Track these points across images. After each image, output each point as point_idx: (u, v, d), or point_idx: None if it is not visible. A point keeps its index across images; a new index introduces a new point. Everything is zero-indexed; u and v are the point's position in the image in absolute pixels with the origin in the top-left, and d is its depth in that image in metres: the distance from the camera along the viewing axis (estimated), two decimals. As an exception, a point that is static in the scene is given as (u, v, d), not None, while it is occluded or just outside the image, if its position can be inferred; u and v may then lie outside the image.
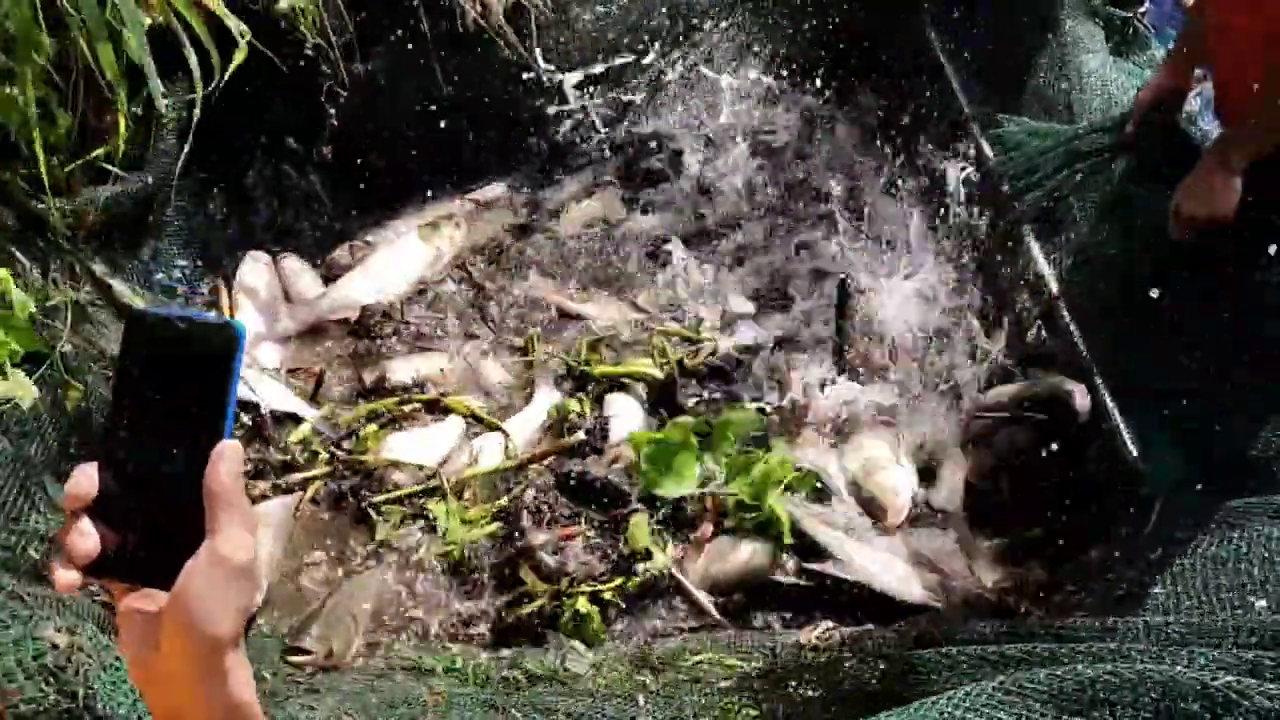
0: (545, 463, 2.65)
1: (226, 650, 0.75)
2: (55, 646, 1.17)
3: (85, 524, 0.76)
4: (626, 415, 2.73)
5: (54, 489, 1.96)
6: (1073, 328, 2.78)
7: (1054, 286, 2.89)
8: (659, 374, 2.84)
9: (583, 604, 2.30)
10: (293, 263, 3.19)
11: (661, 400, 2.83)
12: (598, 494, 2.54)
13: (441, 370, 2.86)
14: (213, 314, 0.81)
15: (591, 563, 2.42)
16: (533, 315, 3.13)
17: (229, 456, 0.77)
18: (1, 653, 1.14)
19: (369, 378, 2.87)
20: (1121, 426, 2.50)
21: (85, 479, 0.77)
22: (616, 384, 2.85)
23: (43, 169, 2.33)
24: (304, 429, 2.70)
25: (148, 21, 2.38)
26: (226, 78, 2.50)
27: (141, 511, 0.77)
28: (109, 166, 2.63)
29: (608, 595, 2.34)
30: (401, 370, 2.85)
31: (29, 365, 2.03)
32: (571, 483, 2.58)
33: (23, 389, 1.81)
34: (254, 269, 3.10)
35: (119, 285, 2.65)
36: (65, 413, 2.08)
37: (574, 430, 2.69)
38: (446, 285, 3.22)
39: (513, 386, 2.91)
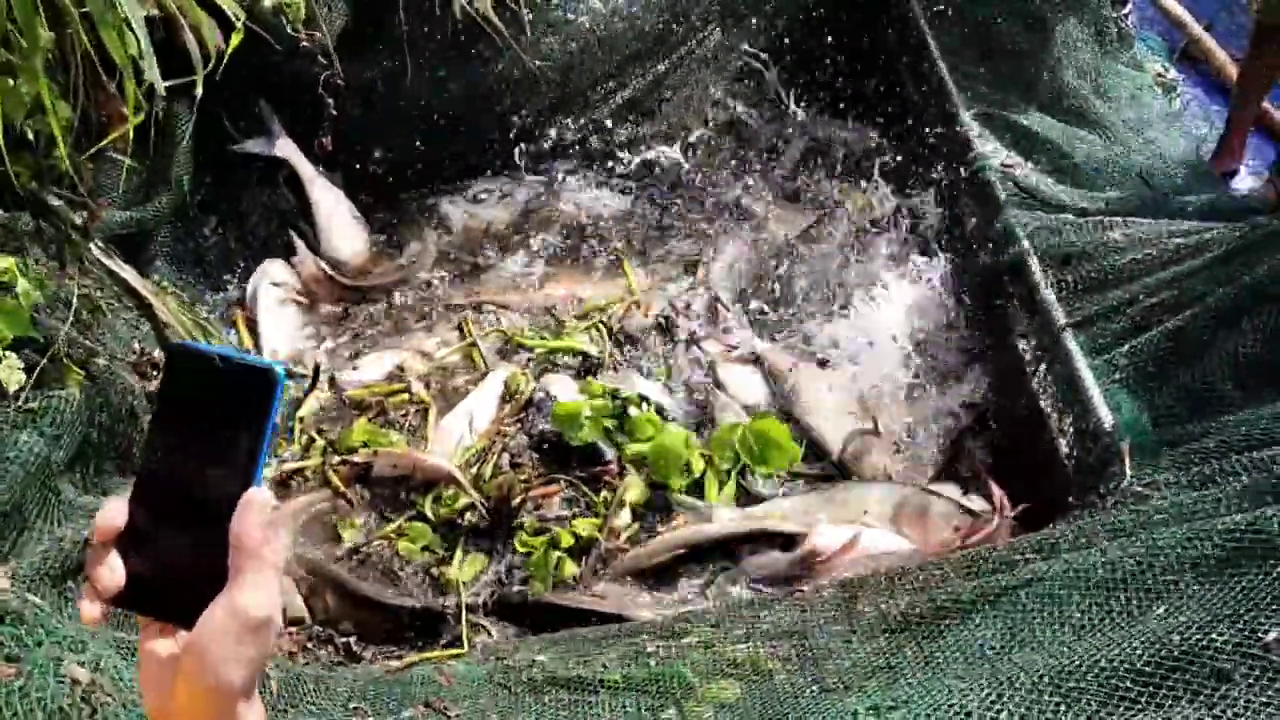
0: (514, 428, 2.80)
1: (238, 700, 0.75)
2: (76, 682, 1.18)
3: (113, 559, 0.76)
4: (561, 386, 2.92)
5: (69, 490, 2.02)
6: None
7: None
8: (591, 349, 3.02)
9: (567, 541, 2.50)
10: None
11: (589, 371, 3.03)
12: (573, 453, 2.71)
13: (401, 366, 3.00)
14: (253, 355, 0.81)
15: (572, 515, 2.60)
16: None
17: (257, 506, 0.76)
18: (24, 689, 1.13)
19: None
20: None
21: (115, 511, 0.77)
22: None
23: (63, 153, 2.39)
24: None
25: (146, 12, 2.44)
26: (224, 61, 2.57)
27: (168, 549, 0.77)
28: (119, 157, 2.69)
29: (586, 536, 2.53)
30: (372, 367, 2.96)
31: (30, 351, 2.10)
32: (545, 445, 2.74)
33: (11, 373, 1.88)
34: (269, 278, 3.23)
35: (132, 276, 2.71)
36: (80, 411, 2.12)
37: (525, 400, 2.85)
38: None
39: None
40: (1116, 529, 1.81)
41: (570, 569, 2.52)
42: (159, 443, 0.78)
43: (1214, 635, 1.40)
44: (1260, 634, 1.33)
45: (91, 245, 2.60)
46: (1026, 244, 2.91)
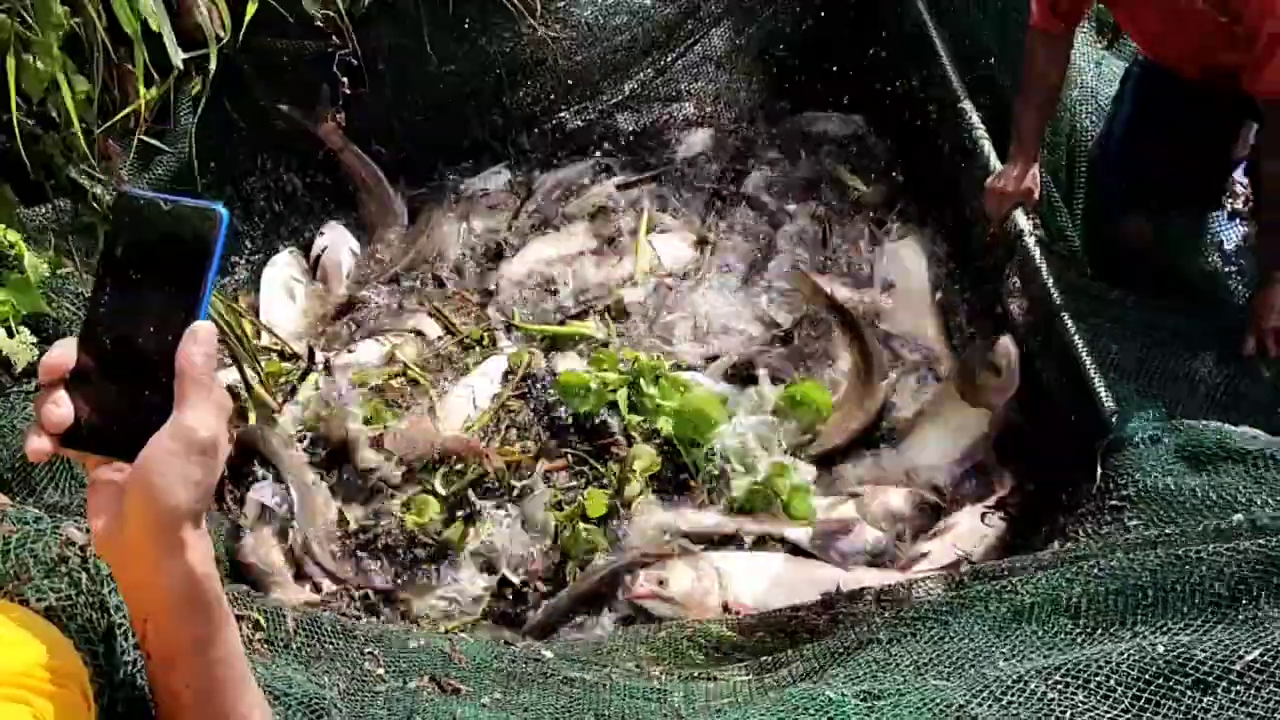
0: (519, 403, 2.80)
1: (184, 522, 0.76)
2: (72, 543, 1.20)
3: (60, 395, 0.77)
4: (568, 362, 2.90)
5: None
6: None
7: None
8: (597, 333, 3.00)
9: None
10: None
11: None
12: (581, 426, 2.70)
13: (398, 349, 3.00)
14: (197, 198, 0.83)
15: (583, 486, 2.60)
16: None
17: (201, 337, 0.78)
18: (21, 543, 1.16)
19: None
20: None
21: (62, 352, 0.79)
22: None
23: (77, 129, 2.43)
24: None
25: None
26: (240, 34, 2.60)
27: (115, 386, 0.78)
28: (148, 140, 2.74)
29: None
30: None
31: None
32: (550, 419, 2.73)
33: (23, 349, 1.92)
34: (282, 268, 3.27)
35: None
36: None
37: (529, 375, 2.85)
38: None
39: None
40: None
41: (600, 541, 2.48)
42: (107, 284, 0.80)
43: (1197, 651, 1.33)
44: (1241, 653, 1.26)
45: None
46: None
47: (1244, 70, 2.34)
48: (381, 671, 1.85)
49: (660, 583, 2.32)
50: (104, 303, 0.79)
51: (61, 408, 0.77)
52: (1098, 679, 1.41)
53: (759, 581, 2.34)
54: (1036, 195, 2.75)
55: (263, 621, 1.84)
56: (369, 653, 1.88)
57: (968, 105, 3.08)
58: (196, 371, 0.77)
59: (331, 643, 1.87)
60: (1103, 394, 2.27)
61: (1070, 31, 2.69)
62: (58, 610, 1.09)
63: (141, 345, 0.79)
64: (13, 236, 2.10)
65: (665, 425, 2.65)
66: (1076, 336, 2.43)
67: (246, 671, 0.85)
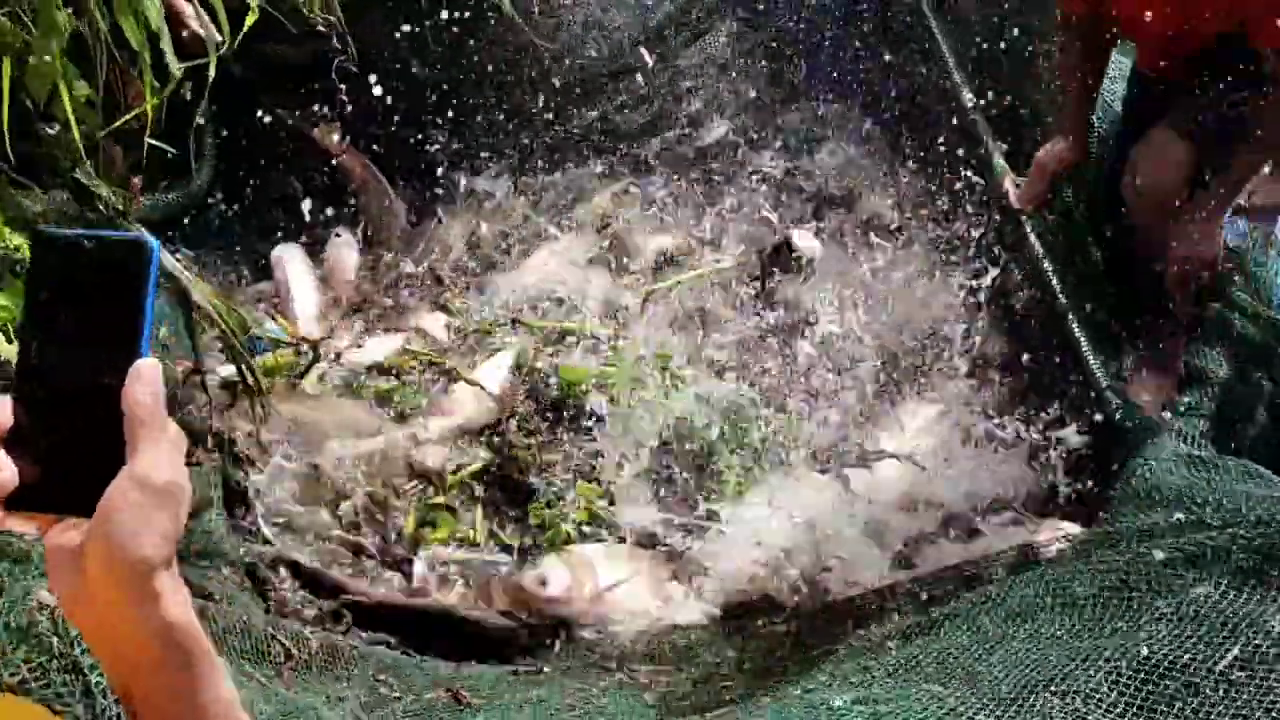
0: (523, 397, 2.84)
1: (155, 571, 0.72)
2: (44, 607, 1.19)
3: (1, 458, 0.73)
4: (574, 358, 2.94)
5: None
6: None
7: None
8: (601, 331, 3.04)
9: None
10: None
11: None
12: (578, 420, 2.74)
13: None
14: (121, 232, 0.79)
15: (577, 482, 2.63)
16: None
17: (145, 376, 0.74)
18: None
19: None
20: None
21: None
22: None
23: (75, 134, 2.45)
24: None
25: (162, -5, 2.49)
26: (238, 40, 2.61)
27: (59, 440, 0.74)
28: (155, 144, 2.76)
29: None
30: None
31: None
32: (552, 414, 2.76)
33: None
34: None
35: (167, 259, 2.79)
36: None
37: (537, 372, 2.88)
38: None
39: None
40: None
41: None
42: (36, 333, 0.75)
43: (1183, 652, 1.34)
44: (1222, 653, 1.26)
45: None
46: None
47: (1250, 23, 2.38)
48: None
49: (542, 583, 2.36)
50: (34, 352, 0.75)
51: (3, 471, 0.72)
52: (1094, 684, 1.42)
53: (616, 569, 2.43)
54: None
55: (293, 650, 1.85)
56: (381, 679, 1.92)
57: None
58: (145, 412, 0.73)
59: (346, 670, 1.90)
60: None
61: (1093, 13, 2.72)
62: (29, 681, 1.07)
63: (82, 392, 0.74)
64: (15, 240, 2.12)
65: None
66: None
67: (241, 715, 0.81)
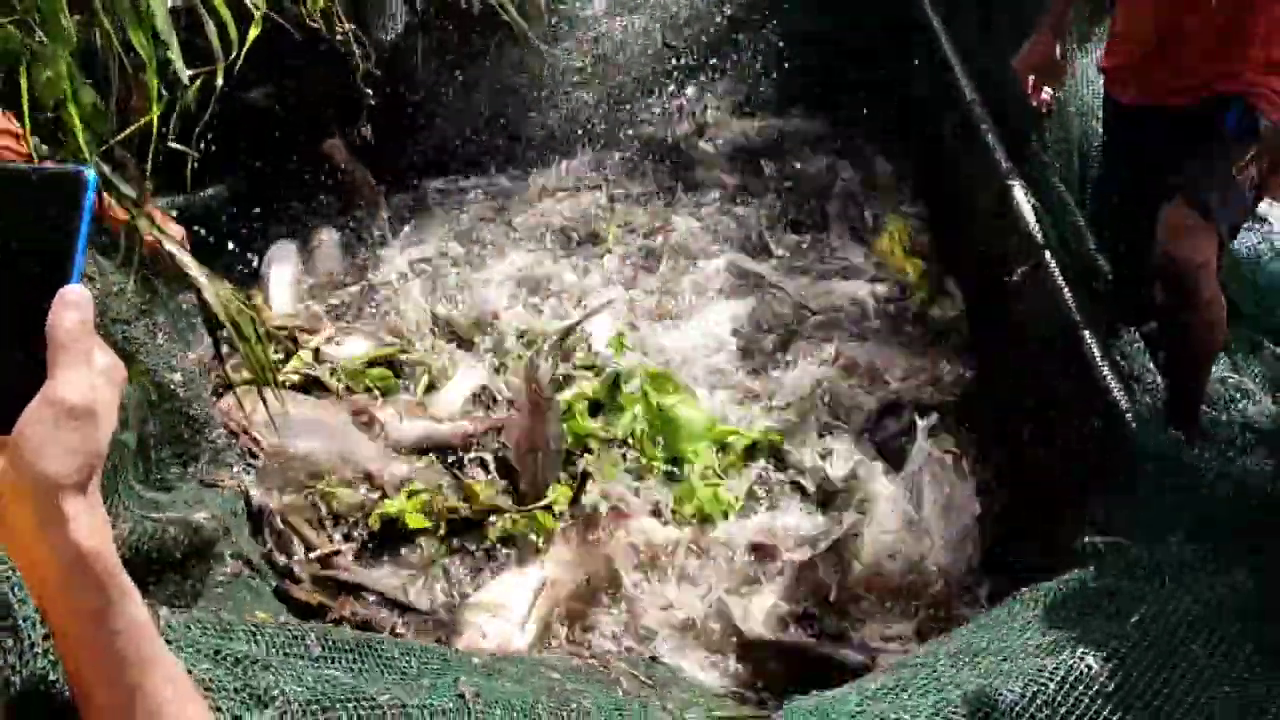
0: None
1: (65, 493, 0.73)
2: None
3: None
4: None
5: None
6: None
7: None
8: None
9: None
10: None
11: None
12: None
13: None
14: (60, 164, 0.81)
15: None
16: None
17: (71, 300, 0.75)
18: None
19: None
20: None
21: None
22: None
23: (81, 140, 2.47)
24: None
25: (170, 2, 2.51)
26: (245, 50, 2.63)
27: None
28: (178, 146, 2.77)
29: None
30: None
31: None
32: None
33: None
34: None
35: (183, 256, 2.79)
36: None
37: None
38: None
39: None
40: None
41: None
42: None
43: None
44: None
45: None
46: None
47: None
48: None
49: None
50: None
51: None
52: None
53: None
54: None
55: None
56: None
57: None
58: (65, 335, 0.74)
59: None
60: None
61: None
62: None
63: (10, 317, 0.76)
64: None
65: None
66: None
67: (158, 650, 0.81)
